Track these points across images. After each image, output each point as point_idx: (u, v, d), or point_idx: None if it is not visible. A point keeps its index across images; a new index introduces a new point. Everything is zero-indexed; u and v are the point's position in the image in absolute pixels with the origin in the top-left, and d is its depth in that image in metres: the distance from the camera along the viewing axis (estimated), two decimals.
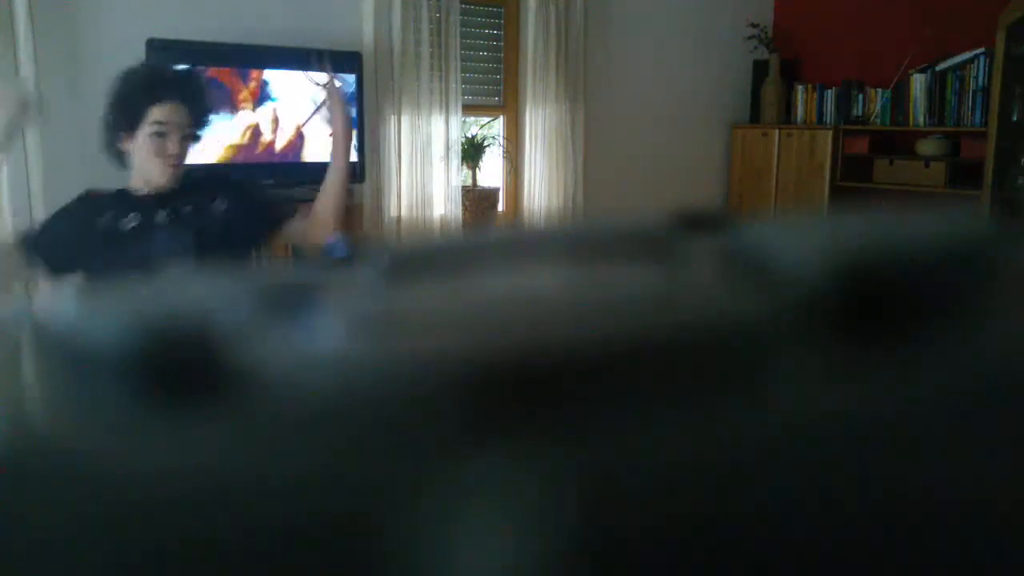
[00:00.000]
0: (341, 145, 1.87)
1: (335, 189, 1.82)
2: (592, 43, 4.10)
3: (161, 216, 1.65)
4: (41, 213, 2.73)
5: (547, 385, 0.15)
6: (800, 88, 4.63)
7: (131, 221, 1.63)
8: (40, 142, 2.76)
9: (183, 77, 1.77)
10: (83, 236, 1.61)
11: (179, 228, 1.64)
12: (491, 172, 4.04)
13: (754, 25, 4.60)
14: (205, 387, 0.16)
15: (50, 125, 2.77)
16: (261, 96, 3.18)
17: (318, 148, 3.27)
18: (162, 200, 1.65)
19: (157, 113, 1.62)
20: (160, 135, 1.62)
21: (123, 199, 1.66)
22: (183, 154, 1.66)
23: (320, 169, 3.16)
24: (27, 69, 2.75)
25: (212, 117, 1.78)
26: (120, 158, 1.67)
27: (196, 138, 1.72)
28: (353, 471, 0.14)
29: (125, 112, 1.63)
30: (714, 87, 4.63)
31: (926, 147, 4.08)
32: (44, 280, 1.68)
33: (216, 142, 3.03)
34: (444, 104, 3.68)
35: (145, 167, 1.64)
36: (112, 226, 1.62)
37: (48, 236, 1.66)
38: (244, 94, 3.15)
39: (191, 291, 0.22)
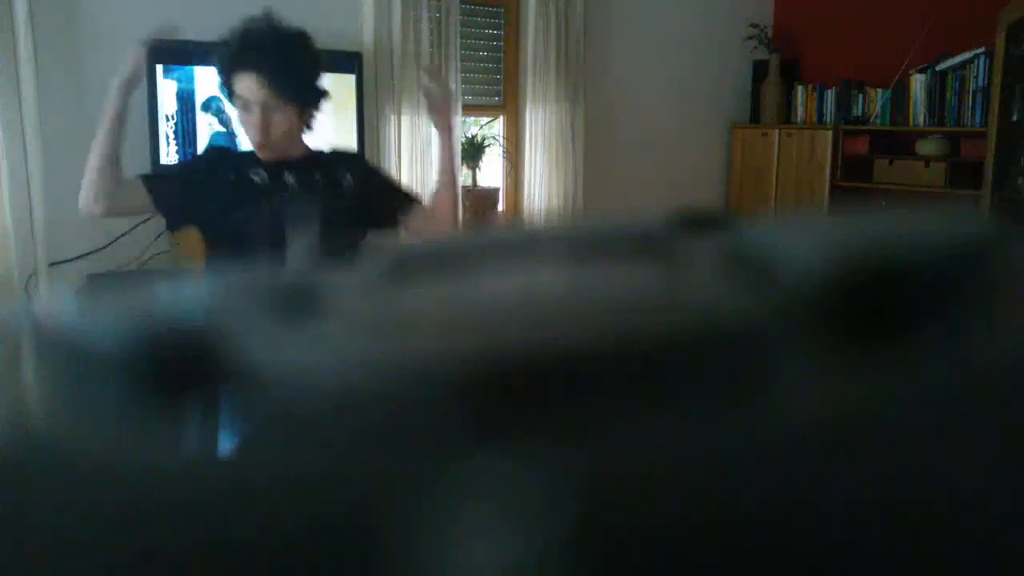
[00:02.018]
0: (447, 147, 1.76)
1: (449, 190, 1.72)
2: (592, 43, 4.09)
3: (289, 178, 1.58)
4: (41, 212, 2.73)
5: (547, 385, 0.15)
6: (800, 88, 4.63)
7: (261, 177, 1.57)
8: (40, 141, 2.76)
9: (263, 43, 1.61)
10: (211, 186, 1.56)
11: (307, 192, 1.57)
12: (491, 172, 4.04)
13: (754, 25, 4.59)
14: (205, 387, 0.16)
15: (50, 124, 2.77)
16: None
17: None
18: (289, 166, 1.59)
19: (238, 86, 1.54)
20: (244, 109, 1.54)
21: (252, 158, 1.59)
22: (274, 128, 1.54)
23: None
24: (27, 69, 2.75)
25: (309, 84, 1.61)
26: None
27: (299, 111, 1.58)
28: (354, 471, 0.14)
29: (222, 84, 1.57)
30: (714, 87, 4.63)
31: (926, 147, 4.08)
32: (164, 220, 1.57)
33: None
34: None
35: (248, 139, 1.58)
36: (242, 177, 1.56)
37: (175, 184, 1.59)
38: None
39: (191, 292, 0.22)
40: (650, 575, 0.12)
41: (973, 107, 3.94)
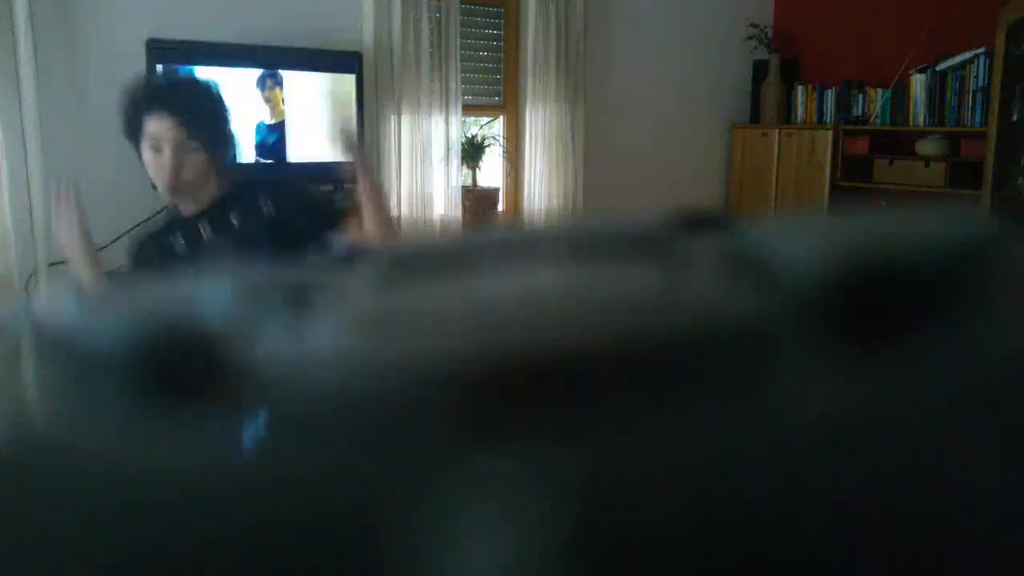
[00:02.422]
0: (367, 187, 1.68)
1: (374, 212, 1.66)
2: (592, 43, 4.10)
3: (207, 232, 1.58)
4: (41, 212, 2.73)
5: (547, 385, 0.15)
6: (800, 88, 4.63)
7: (179, 244, 1.58)
8: (40, 141, 2.76)
9: (175, 86, 1.63)
10: (148, 267, 1.58)
11: (225, 241, 1.57)
12: (491, 172, 4.04)
13: (754, 25, 4.60)
14: (205, 387, 0.16)
15: (50, 124, 2.77)
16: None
17: (301, 149, 3.27)
18: (205, 216, 1.58)
19: (149, 126, 1.52)
20: (155, 149, 1.53)
21: (172, 222, 1.60)
22: (186, 169, 1.53)
23: (304, 168, 3.16)
24: (27, 69, 2.75)
25: (220, 128, 1.63)
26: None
27: (208, 150, 1.58)
28: (353, 471, 0.14)
29: (128, 127, 1.56)
30: (714, 87, 4.63)
31: (926, 147, 4.08)
32: None
33: None
34: (444, 104, 3.68)
35: (156, 184, 1.57)
36: (168, 253, 1.57)
37: (132, 263, 1.62)
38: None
39: (192, 292, 0.22)
40: (651, 574, 0.12)
41: (973, 107, 3.94)
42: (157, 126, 1.53)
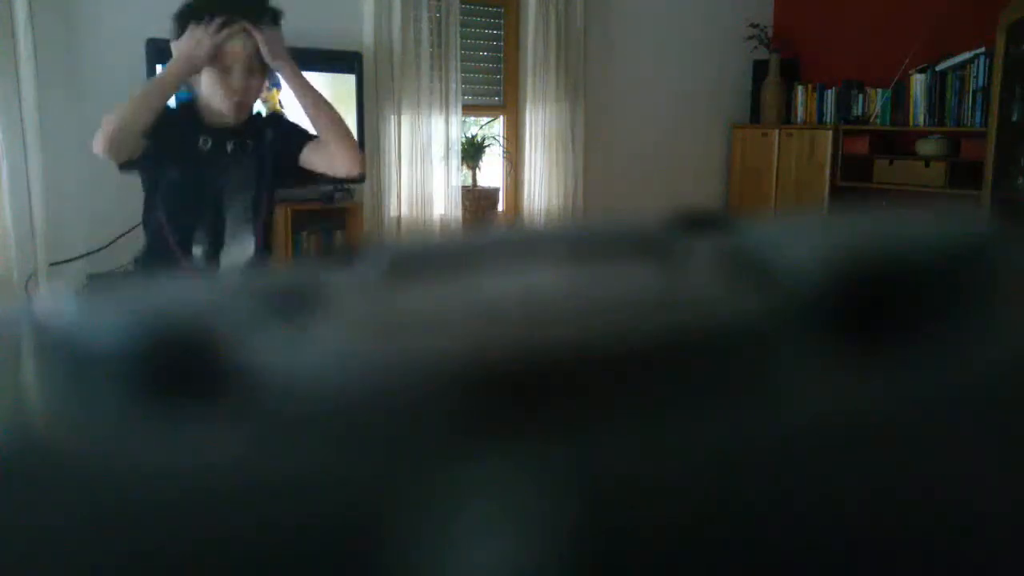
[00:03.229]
0: (294, 80, 1.72)
1: (318, 112, 1.70)
2: (592, 43, 4.10)
3: (229, 146, 1.63)
4: (41, 213, 2.73)
5: (547, 385, 0.15)
6: (800, 88, 4.63)
7: (205, 144, 1.62)
8: (40, 141, 2.76)
9: (257, 7, 1.64)
10: (164, 141, 1.59)
11: (244, 159, 1.63)
12: (491, 172, 4.04)
13: (754, 25, 4.60)
14: (205, 387, 0.16)
15: (50, 124, 2.77)
16: None
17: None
18: (231, 134, 1.63)
19: (226, 46, 1.56)
20: (223, 70, 1.57)
21: (197, 119, 1.63)
22: (252, 92, 1.60)
23: (303, 169, 3.16)
24: (27, 69, 2.75)
25: (276, 35, 1.66)
26: (190, 93, 1.64)
27: (267, 74, 1.63)
28: (353, 471, 0.14)
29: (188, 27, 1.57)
30: (714, 87, 4.63)
31: (926, 147, 4.08)
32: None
33: None
34: (444, 104, 3.68)
35: (211, 103, 1.60)
36: (190, 142, 1.60)
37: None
38: None
39: (192, 292, 0.22)
40: (652, 574, 0.12)
41: (973, 107, 3.95)
42: (236, 45, 1.56)
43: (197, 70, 1.61)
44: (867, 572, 0.12)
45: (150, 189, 1.65)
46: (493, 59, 4.02)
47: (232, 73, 1.58)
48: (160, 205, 1.63)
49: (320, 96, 1.73)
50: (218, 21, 1.59)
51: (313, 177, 1.80)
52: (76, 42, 2.93)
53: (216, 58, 1.58)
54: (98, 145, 1.56)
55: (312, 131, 1.74)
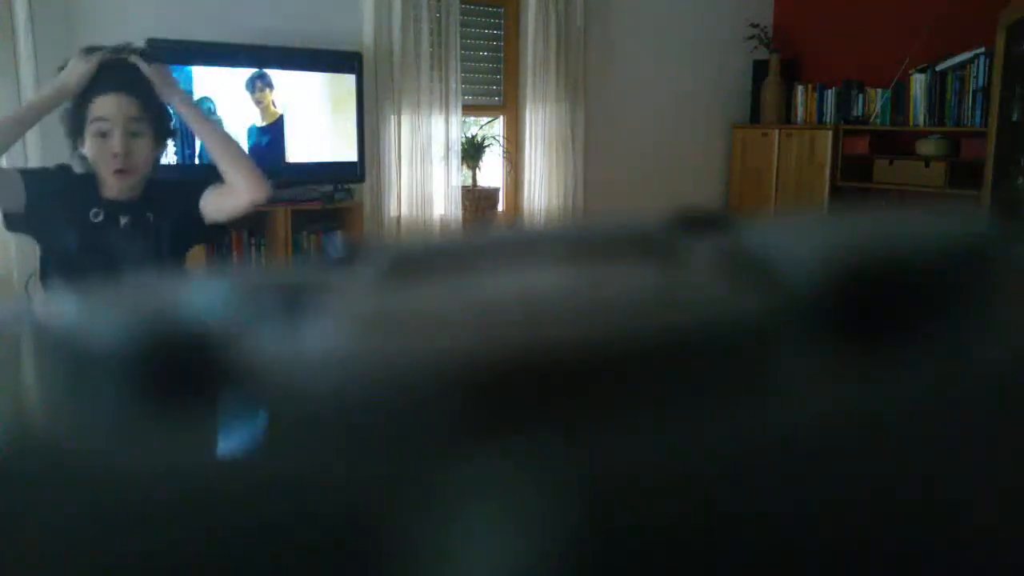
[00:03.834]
0: (186, 109, 1.64)
1: (209, 137, 1.62)
2: (592, 43, 4.09)
3: (123, 220, 1.56)
4: None
5: (547, 385, 0.15)
6: (800, 88, 4.63)
7: (96, 216, 1.54)
8: (40, 142, 2.76)
9: (122, 63, 1.56)
10: (58, 207, 1.52)
11: (139, 233, 1.55)
12: (491, 172, 4.04)
13: (754, 25, 4.59)
14: (205, 388, 0.16)
15: (50, 124, 2.77)
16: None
17: (301, 149, 3.27)
18: (125, 205, 1.55)
19: (97, 108, 1.48)
20: (101, 134, 1.48)
21: (93, 189, 1.55)
22: (137, 156, 1.50)
23: (304, 168, 3.17)
24: (27, 69, 2.75)
25: (167, 114, 1.59)
26: (86, 166, 1.55)
27: (158, 137, 1.55)
28: (354, 471, 0.14)
29: (72, 113, 1.52)
30: (714, 87, 4.63)
31: (926, 147, 4.08)
32: None
33: None
34: (444, 104, 3.68)
35: (100, 173, 1.52)
36: (83, 213, 1.53)
37: (41, 190, 1.54)
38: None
39: (192, 292, 0.22)
40: (651, 574, 0.12)
41: (973, 107, 3.94)
42: (108, 106, 1.48)
43: (66, 97, 1.53)
44: (867, 571, 0.12)
45: (44, 253, 1.59)
46: (493, 59, 4.02)
47: (111, 137, 1.49)
48: (53, 272, 1.56)
49: (214, 126, 1.67)
50: (95, 55, 1.52)
51: (222, 228, 1.68)
52: (76, 42, 2.93)
53: (90, 125, 1.50)
54: None
55: (199, 179, 1.65)
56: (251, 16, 3.23)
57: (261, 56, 3.14)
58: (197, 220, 1.62)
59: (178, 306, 0.20)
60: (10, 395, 0.19)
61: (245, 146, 3.09)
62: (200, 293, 0.22)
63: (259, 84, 3.16)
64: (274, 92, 3.19)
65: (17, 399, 0.18)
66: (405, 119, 3.59)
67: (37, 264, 1.62)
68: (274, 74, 3.18)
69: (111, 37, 2.94)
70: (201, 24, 3.11)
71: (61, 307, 0.20)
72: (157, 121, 1.57)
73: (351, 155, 3.33)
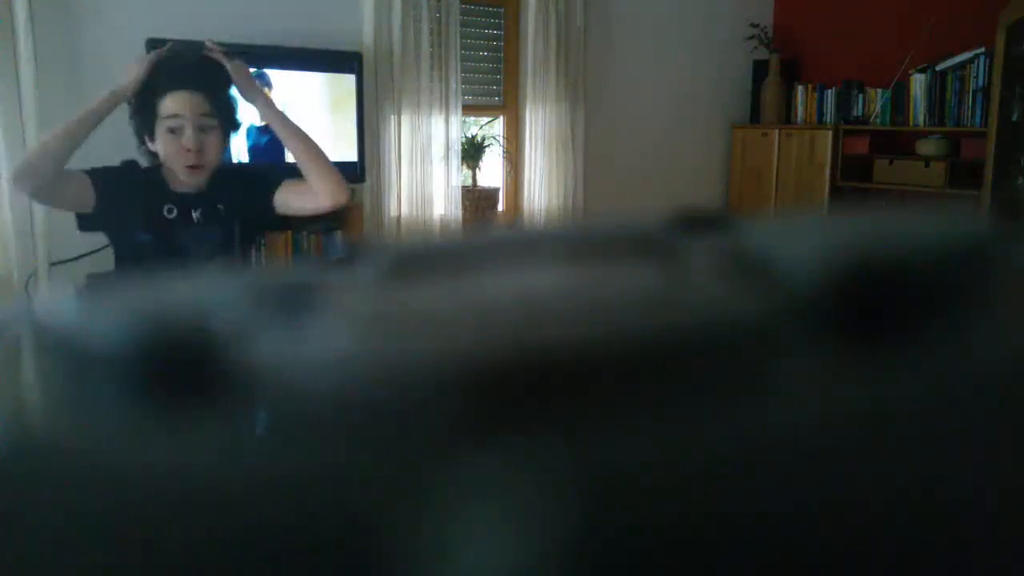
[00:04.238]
0: (267, 111, 1.68)
1: (292, 140, 1.64)
2: (592, 43, 4.10)
3: (196, 213, 1.58)
4: (41, 212, 2.73)
5: (547, 385, 0.15)
6: (800, 88, 4.63)
7: (170, 212, 1.57)
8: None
9: (195, 62, 1.60)
10: (132, 204, 1.55)
11: (211, 226, 1.58)
12: (491, 172, 4.04)
13: (754, 25, 4.60)
14: (205, 387, 0.16)
15: (50, 124, 2.77)
16: None
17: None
18: (196, 198, 1.58)
19: (168, 105, 1.51)
20: (172, 131, 1.51)
21: (162, 186, 1.58)
22: (208, 150, 1.54)
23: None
24: (27, 69, 2.75)
25: (233, 103, 1.62)
26: (153, 160, 1.59)
27: (226, 131, 1.58)
28: (353, 471, 0.14)
29: (141, 111, 1.54)
30: (714, 87, 4.63)
31: (926, 147, 4.08)
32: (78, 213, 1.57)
33: None
34: (444, 104, 3.68)
35: (170, 167, 1.55)
36: (155, 208, 1.56)
37: (114, 189, 1.56)
38: None
39: (192, 292, 0.22)
40: (651, 573, 0.12)
41: (973, 107, 3.94)
42: (180, 104, 1.51)
43: (121, 100, 1.56)
44: (868, 571, 0.12)
45: (118, 251, 1.61)
46: (493, 59, 4.02)
47: (183, 132, 1.52)
48: (129, 269, 1.57)
49: (298, 128, 1.68)
50: (153, 55, 1.54)
51: (293, 220, 1.72)
52: (76, 42, 2.93)
53: (160, 122, 1.53)
54: (12, 173, 1.52)
55: (280, 174, 1.67)
56: (251, 16, 3.23)
57: (261, 56, 3.14)
58: (268, 211, 1.65)
59: (178, 306, 0.20)
60: (10, 395, 0.19)
61: (244, 146, 3.09)
62: (200, 293, 0.22)
63: (259, 83, 3.16)
64: (273, 92, 3.19)
65: (17, 399, 0.18)
66: (405, 119, 3.59)
67: (112, 263, 1.62)
68: (274, 74, 3.18)
69: (111, 37, 2.94)
70: (201, 24, 3.10)
71: (61, 307, 0.20)
72: (226, 115, 1.59)
73: (351, 155, 3.33)
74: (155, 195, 1.57)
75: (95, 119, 1.55)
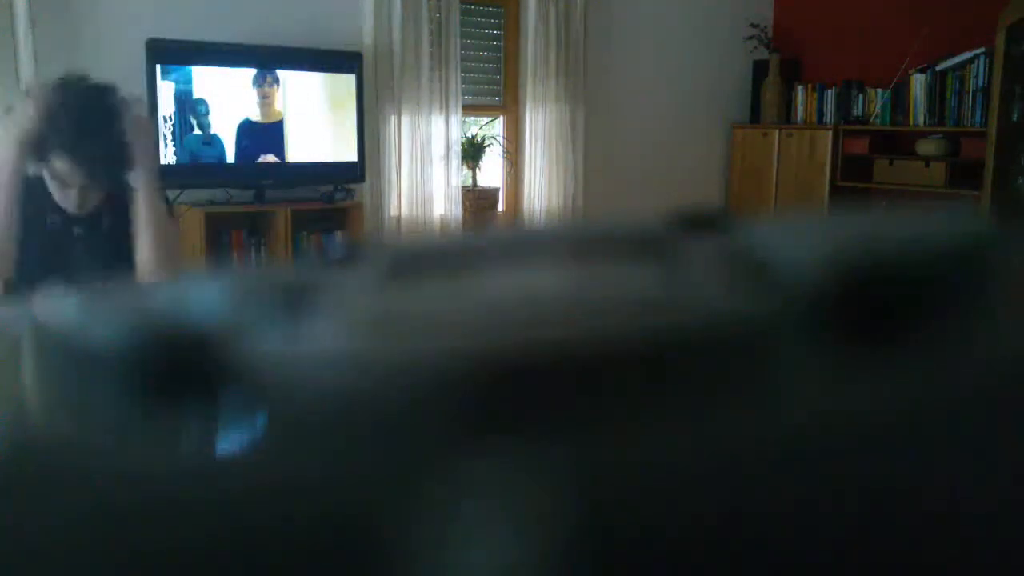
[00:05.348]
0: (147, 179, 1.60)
1: (146, 226, 1.58)
2: (592, 43, 4.10)
3: (77, 229, 1.60)
4: None
5: (547, 384, 0.15)
6: (800, 88, 4.63)
7: (53, 224, 1.59)
8: None
9: (82, 126, 1.54)
10: (24, 229, 1.55)
11: (92, 242, 1.60)
12: (491, 172, 4.04)
13: (754, 25, 4.60)
14: (205, 387, 0.16)
15: None
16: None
17: (300, 149, 3.26)
18: (78, 216, 1.59)
19: (55, 164, 1.51)
20: (62, 184, 1.54)
21: (47, 196, 1.58)
22: (90, 201, 1.56)
23: (304, 168, 3.17)
24: (27, 69, 2.75)
25: (120, 165, 1.56)
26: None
27: (109, 186, 1.56)
28: (354, 470, 0.14)
29: (37, 150, 1.52)
30: (714, 87, 4.63)
31: (926, 147, 4.08)
32: None
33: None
34: (444, 104, 3.68)
35: (62, 205, 1.57)
36: (38, 217, 1.57)
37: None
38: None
39: (192, 292, 0.22)
40: (650, 573, 0.12)
41: (973, 107, 3.94)
42: (66, 169, 1.52)
43: (25, 149, 1.54)
44: (868, 569, 0.12)
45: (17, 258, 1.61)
46: (493, 59, 4.02)
47: (67, 188, 1.54)
48: (16, 267, 1.58)
49: (159, 220, 1.62)
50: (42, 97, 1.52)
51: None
52: (76, 42, 2.93)
53: (48, 168, 1.51)
54: None
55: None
56: (251, 16, 3.22)
57: (261, 56, 3.14)
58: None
59: (178, 306, 0.20)
60: (10, 395, 0.19)
61: (232, 145, 3.08)
62: (200, 293, 0.22)
63: (269, 79, 3.16)
64: (279, 91, 3.19)
65: (17, 399, 0.18)
66: (405, 119, 3.59)
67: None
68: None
69: (111, 37, 2.94)
70: (201, 24, 3.10)
71: (61, 307, 0.20)
72: (114, 176, 1.57)
73: (351, 155, 3.33)
74: (40, 205, 1.58)
75: (17, 180, 1.55)
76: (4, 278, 1.55)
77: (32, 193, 1.59)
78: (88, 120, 1.57)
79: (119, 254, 1.61)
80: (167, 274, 1.64)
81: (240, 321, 0.18)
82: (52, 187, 1.57)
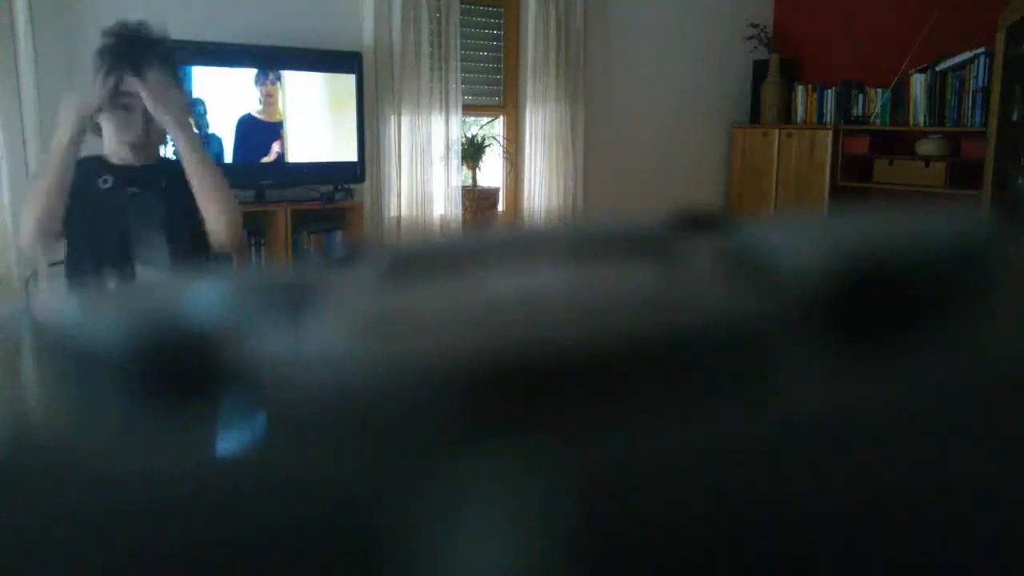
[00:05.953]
0: (177, 135, 1.60)
1: (193, 167, 1.58)
2: (592, 43, 4.10)
3: (132, 188, 1.58)
4: None
5: (547, 384, 0.15)
6: (800, 88, 4.63)
7: (105, 183, 1.57)
8: (40, 141, 2.76)
9: (158, 47, 1.63)
10: (72, 195, 1.54)
11: (145, 202, 1.58)
12: (491, 172, 4.04)
13: (754, 25, 4.60)
14: (205, 387, 0.16)
15: (50, 124, 2.77)
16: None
17: (301, 149, 3.26)
18: (133, 174, 1.58)
19: (126, 84, 1.53)
20: (127, 108, 1.54)
21: (99, 161, 1.60)
22: (155, 130, 1.56)
23: (305, 168, 3.17)
24: (27, 69, 2.75)
25: (183, 91, 1.62)
26: (97, 131, 1.60)
27: (167, 109, 1.56)
28: (353, 469, 0.14)
29: (104, 79, 1.55)
30: (714, 87, 4.63)
31: (926, 147, 4.08)
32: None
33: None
34: (444, 104, 3.68)
35: (111, 143, 1.57)
36: (91, 179, 1.56)
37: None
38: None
39: (192, 292, 0.22)
40: (650, 573, 0.12)
41: (973, 107, 3.95)
42: (136, 83, 1.53)
43: (88, 124, 1.56)
44: (867, 569, 0.12)
45: (68, 245, 1.61)
46: (493, 59, 4.02)
47: (132, 111, 1.54)
48: (68, 234, 1.58)
49: (205, 158, 1.63)
50: (105, 70, 1.54)
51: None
52: (76, 42, 2.93)
53: (110, 104, 1.54)
54: (27, 238, 1.52)
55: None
56: (251, 16, 3.22)
57: (261, 56, 3.14)
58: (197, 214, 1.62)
59: (178, 306, 0.20)
60: (10, 395, 0.19)
61: (231, 144, 3.09)
62: (200, 293, 0.22)
63: (271, 77, 3.15)
64: (281, 90, 3.18)
65: (17, 399, 0.18)
66: (405, 119, 3.59)
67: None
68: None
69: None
70: (201, 24, 3.10)
71: (61, 307, 0.20)
72: (173, 99, 1.59)
73: (351, 155, 3.33)
74: (92, 166, 1.58)
75: (69, 149, 1.54)
76: (53, 232, 1.54)
77: (87, 163, 1.59)
78: (146, 41, 1.61)
79: (179, 211, 1.59)
80: (236, 229, 1.63)
81: (240, 321, 0.18)
82: (111, 135, 1.55)
